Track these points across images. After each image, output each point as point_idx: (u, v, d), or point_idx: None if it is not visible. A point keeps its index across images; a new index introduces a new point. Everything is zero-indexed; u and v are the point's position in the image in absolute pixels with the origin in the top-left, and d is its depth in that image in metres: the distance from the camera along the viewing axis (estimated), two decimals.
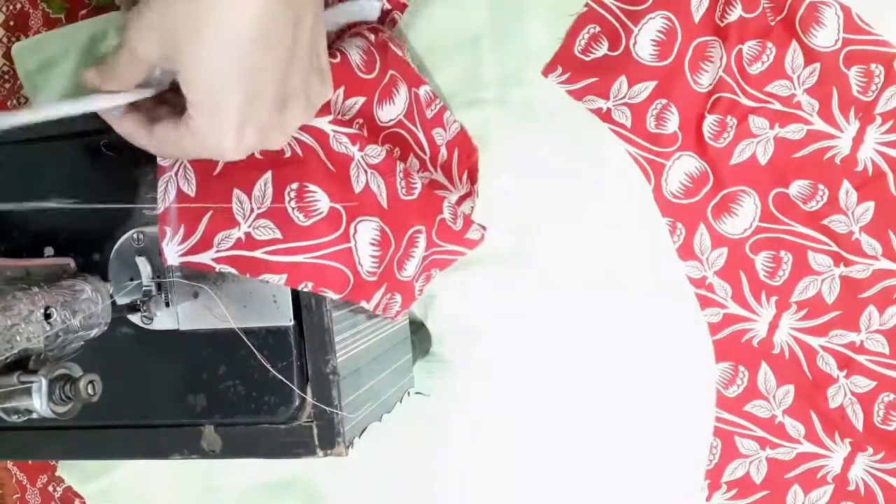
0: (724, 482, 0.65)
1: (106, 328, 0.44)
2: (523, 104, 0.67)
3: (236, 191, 0.45)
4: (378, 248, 0.48)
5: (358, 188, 0.48)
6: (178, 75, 0.37)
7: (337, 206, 0.46)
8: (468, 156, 0.67)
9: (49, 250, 0.52)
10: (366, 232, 0.47)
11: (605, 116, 0.66)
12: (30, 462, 0.84)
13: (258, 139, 0.39)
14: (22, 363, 0.38)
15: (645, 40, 0.64)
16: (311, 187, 0.45)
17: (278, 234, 0.44)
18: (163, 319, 0.49)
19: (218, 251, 0.45)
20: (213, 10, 0.35)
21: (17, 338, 0.37)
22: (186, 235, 0.45)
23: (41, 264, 0.43)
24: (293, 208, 0.45)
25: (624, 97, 0.65)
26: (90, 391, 0.39)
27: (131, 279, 0.49)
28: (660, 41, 0.64)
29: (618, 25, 0.65)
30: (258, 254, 0.44)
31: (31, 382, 0.37)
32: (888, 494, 0.63)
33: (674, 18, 0.63)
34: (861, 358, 0.63)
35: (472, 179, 0.67)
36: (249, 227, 0.44)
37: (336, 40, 0.55)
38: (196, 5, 0.36)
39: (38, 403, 0.37)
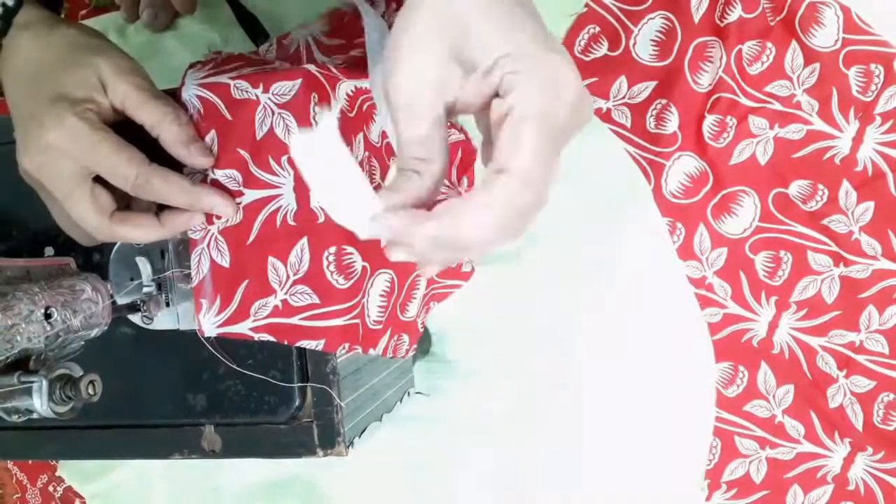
0: (723, 482, 0.65)
1: (106, 328, 0.44)
2: None
3: (271, 258, 0.45)
4: (385, 297, 0.48)
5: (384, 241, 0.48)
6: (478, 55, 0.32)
7: (366, 263, 0.46)
8: (469, 157, 0.67)
9: (49, 250, 0.52)
10: (379, 284, 0.48)
11: (605, 116, 0.66)
12: (30, 462, 0.84)
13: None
14: (22, 363, 0.39)
15: (645, 40, 0.64)
16: (349, 249, 0.45)
17: (315, 300, 0.45)
18: (163, 319, 0.49)
19: (255, 320, 0.45)
20: None
21: (18, 338, 0.37)
22: (223, 306, 0.46)
23: (41, 264, 0.43)
24: (332, 272, 0.45)
25: (624, 97, 0.65)
26: (90, 391, 0.39)
27: (131, 279, 0.49)
28: (659, 41, 0.64)
29: (617, 26, 0.65)
30: (296, 320, 0.45)
31: (32, 382, 0.38)
32: (888, 494, 0.63)
33: (673, 18, 0.63)
34: (861, 358, 0.63)
35: (471, 182, 0.67)
36: (286, 294, 0.45)
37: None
38: None
39: (39, 403, 0.37)
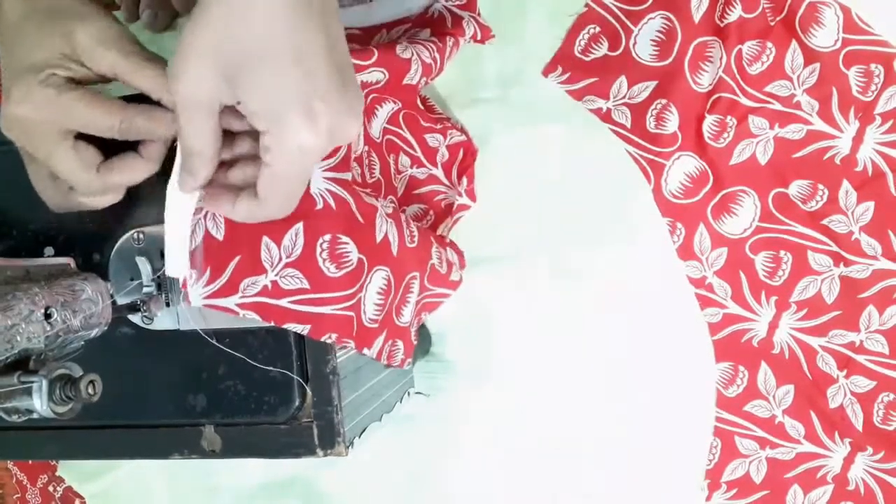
0: (723, 482, 0.65)
1: (106, 328, 0.44)
2: (523, 104, 0.67)
3: (265, 238, 0.44)
4: (382, 296, 0.48)
5: (379, 237, 0.48)
6: (242, 98, 0.37)
7: (363, 256, 0.46)
8: (471, 156, 0.67)
9: (49, 250, 0.52)
10: (377, 281, 0.47)
11: (605, 116, 0.66)
12: (30, 462, 0.84)
13: (332, 120, 0.37)
14: (22, 363, 0.38)
15: (645, 40, 0.64)
16: (344, 238, 0.45)
17: (305, 285, 0.44)
18: (163, 319, 0.49)
19: (243, 297, 0.45)
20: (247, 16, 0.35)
21: (18, 338, 0.37)
22: (212, 278, 0.45)
23: (41, 264, 0.43)
24: (324, 259, 0.45)
25: (624, 97, 0.65)
26: (90, 391, 0.39)
27: (131, 279, 0.49)
28: (659, 41, 0.64)
29: (618, 25, 0.65)
30: (283, 303, 0.44)
31: (32, 382, 0.37)
32: (888, 494, 0.63)
33: (673, 18, 0.63)
34: (861, 358, 0.63)
35: (470, 180, 0.67)
36: (276, 275, 0.44)
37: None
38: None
39: (39, 403, 0.37)
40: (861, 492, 0.63)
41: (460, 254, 0.67)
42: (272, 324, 0.45)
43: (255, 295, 0.44)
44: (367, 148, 0.54)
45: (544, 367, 0.67)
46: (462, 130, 0.67)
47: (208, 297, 0.45)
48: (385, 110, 0.58)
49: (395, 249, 0.50)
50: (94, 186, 0.44)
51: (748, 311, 0.65)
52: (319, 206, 0.45)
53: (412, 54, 0.56)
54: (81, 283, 0.42)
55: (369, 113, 0.55)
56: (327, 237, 0.45)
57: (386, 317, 0.49)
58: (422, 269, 0.55)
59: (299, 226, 0.44)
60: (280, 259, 0.44)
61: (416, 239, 0.54)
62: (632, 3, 0.65)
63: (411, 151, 0.61)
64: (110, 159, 0.44)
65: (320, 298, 0.45)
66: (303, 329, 0.44)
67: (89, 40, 0.42)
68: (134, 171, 0.44)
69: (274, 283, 0.44)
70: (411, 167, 0.62)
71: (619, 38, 0.65)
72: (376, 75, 0.54)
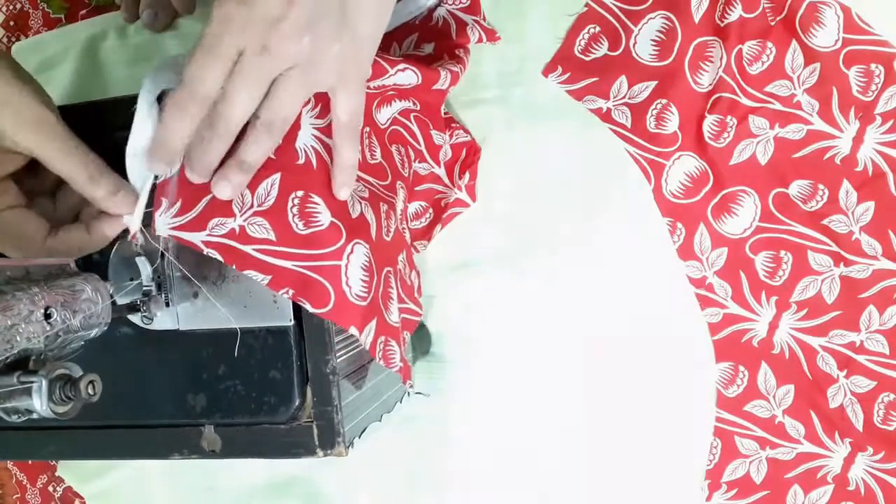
0: (724, 482, 0.65)
1: (106, 328, 0.44)
2: (523, 104, 0.67)
3: None
4: (367, 273, 0.47)
5: (354, 214, 0.48)
6: None
7: (337, 222, 0.46)
8: (473, 154, 0.67)
9: None
10: (358, 255, 0.47)
11: (605, 116, 0.66)
12: (30, 462, 0.84)
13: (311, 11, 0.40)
14: (22, 363, 0.38)
15: (645, 40, 0.64)
16: (315, 198, 0.45)
17: (272, 236, 0.44)
18: (163, 319, 0.49)
19: (209, 235, 0.45)
20: None
21: (17, 338, 0.37)
22: (182, 211, 0.45)
23: (41, 264, 0.43)
24: (293, 215, 0.45)
25: (624, 97, 0.65)
26: (90, 391, 0.39)
27: (131, 279, 0.49)
28: (660, 41, 0.64)
29: (618, 25, 0.65)
30: (248, 249, 0.44)
31: (31, 382, 0.37)
32: (888, 494, 0.63)
33: (674, 18, 0.63)
34: (861, 358, 0.63)
35: (472, 177, 0.67)
36: (245, 221, 0.44)
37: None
38: None
39: (38, 403, 0.37)
40: (861, 492, 0.63)
41: (418, 285, 0.66)
42: (233, 267, 0.44)
43: (222, 236, 0.44)
44: (368, 129, 0.54)
45: (544, 367, 0.67)
46: (466, 132, 0.67)
47: (175, 227, 0.45)
48: (400, 105, 0.58)
49: (373, 233, 0.50)
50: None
51: (748, 311, 0.65)
52: (301, 161, 0.45)
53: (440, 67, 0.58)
54: (81, 283, 0.42)
55: (382, 101, 0.56)
56: (300, 193, 0.45)
57: (373, 301, 0.48)
58: (394, 269, 0.55)
59: (276, 176, 0.45)
60: (251, 206, 0.45)
61: (391, 235, 0.54)
62: (632, 3, 0.65)
63: (416, 146, 0.61)
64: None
65: (284, 252, 0.44)
66: (263, 279, 0.44)
67: (8, 124, 0.43)
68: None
69: (241, 227, 0.44)
70: (414, 161, 0.62)
71: (619, 37, 0.65)
72: (410, 76, 0.55)
